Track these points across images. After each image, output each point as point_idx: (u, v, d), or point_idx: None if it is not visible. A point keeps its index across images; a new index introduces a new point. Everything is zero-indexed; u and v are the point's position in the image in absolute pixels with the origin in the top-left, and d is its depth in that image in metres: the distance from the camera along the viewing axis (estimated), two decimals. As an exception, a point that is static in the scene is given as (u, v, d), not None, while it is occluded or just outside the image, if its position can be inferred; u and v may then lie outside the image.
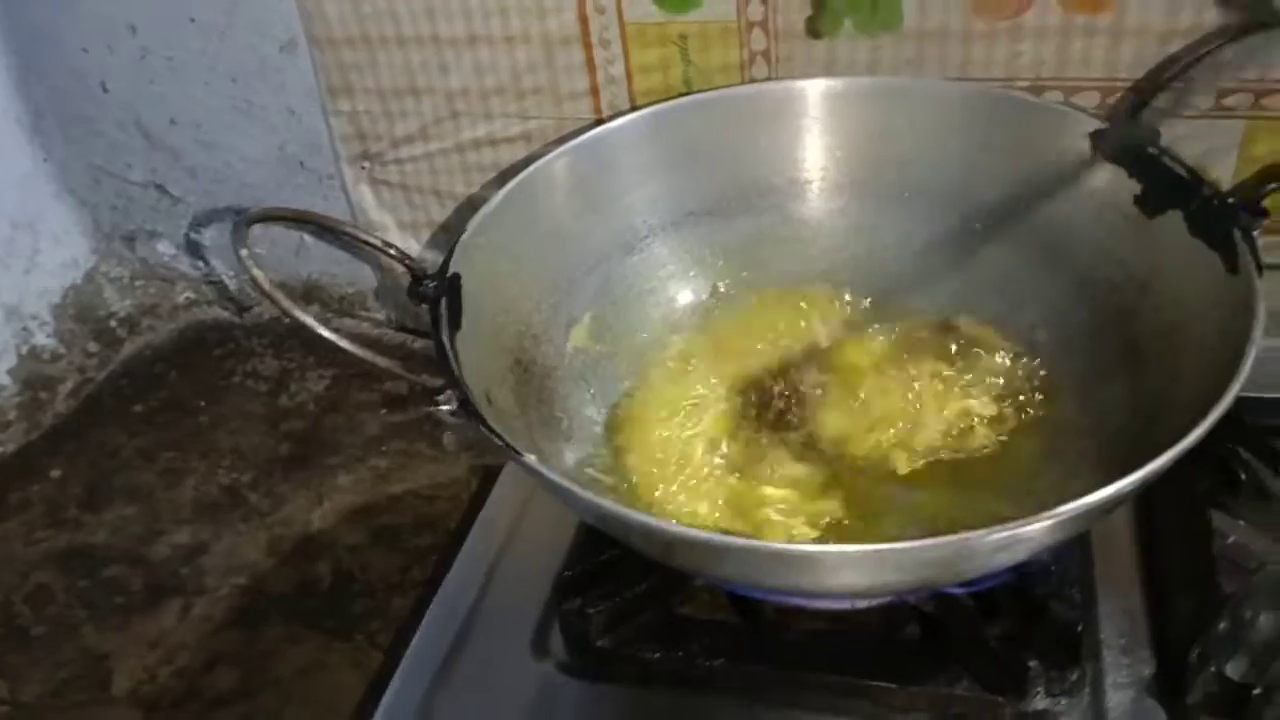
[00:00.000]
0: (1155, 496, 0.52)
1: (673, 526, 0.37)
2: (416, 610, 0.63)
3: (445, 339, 0.44)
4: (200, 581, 0.68)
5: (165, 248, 0.90)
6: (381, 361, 0.44)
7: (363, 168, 0.77)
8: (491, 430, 0.41)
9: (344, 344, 0.42)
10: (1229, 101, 0.59)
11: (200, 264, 0.90)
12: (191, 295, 0.92)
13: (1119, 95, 0.59)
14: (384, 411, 0.80)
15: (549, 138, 0.71)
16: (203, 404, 0.82)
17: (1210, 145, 0.59)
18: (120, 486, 0.76)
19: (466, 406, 0.41)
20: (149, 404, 0.83)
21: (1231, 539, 0.48)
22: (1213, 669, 0.43)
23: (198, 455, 0.78)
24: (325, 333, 0.42)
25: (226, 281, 0.90)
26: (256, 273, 0.42)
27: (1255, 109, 0.59)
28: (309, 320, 0.42)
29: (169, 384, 0.85)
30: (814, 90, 0.59)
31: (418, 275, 0.47)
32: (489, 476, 0.72)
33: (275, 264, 0.88)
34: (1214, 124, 0.59)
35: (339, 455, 0.77)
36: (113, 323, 0.90)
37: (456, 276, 0.48)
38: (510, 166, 0.73)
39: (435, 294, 0.46)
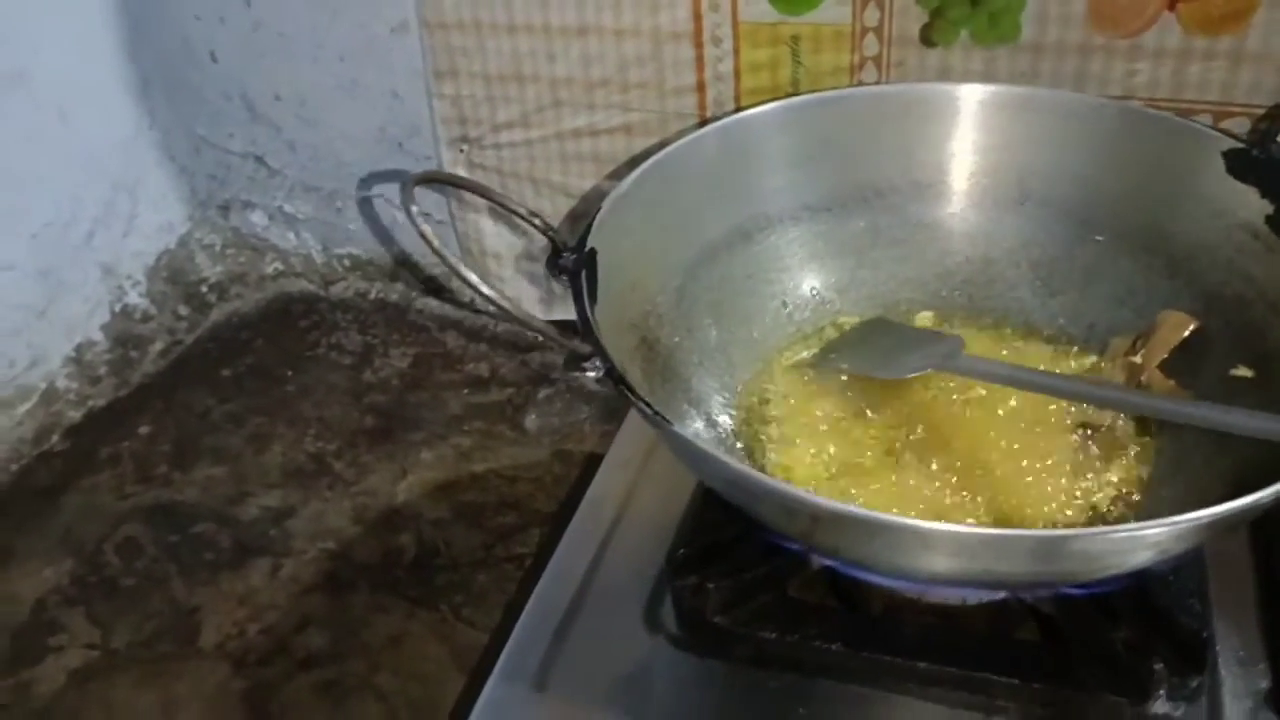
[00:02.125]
0: (1271, 513, 0.52)
1: (816, 498, 0.37)
2: (503, 586, 0.64)
3: (588, 308, 0.45)
4: (288, 544, 0.69)
5: (258, 218, 0.91)
6: (539, 324, 0.44)
7: (461, 151, 0.78)
8: (637, 397, 0.41)
9: (504, 303, 0.43)
10: None
11: (291, 236, 0.91)
12: (280, 266, 0.93)
13: (1233, 120, 0.59)
14: (466, 392, 0.81)
15: (651, 131, 0.71)
16: (289, 373, 0.84)
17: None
18: (208, 447, 0.77)
19: (612, 374, 0.42)
20: (236, 369, 0.85)
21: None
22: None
23: (284, 422, 0.79)
24: (486, 289, 0.43)
25: (314, 255, 0.91)
26: (425, 228, 0.43)
27: None
28: (472, 277, 0.43)
29: (255, 351, 0.86)
30: (950, 95, 0.60)
31: (559, 247, 0.48)
32: (570, 461, 0.73)
33: (366, 241, 0.89)
34: None
35: (421, 431, 0.78)
36: (203, 288, 0.91)
37: (594, 250, 0.49)
38: (609, 157, 0.74)
39: (575, 267, 0.47)
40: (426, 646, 0.62)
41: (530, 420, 0.78)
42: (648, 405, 0.41)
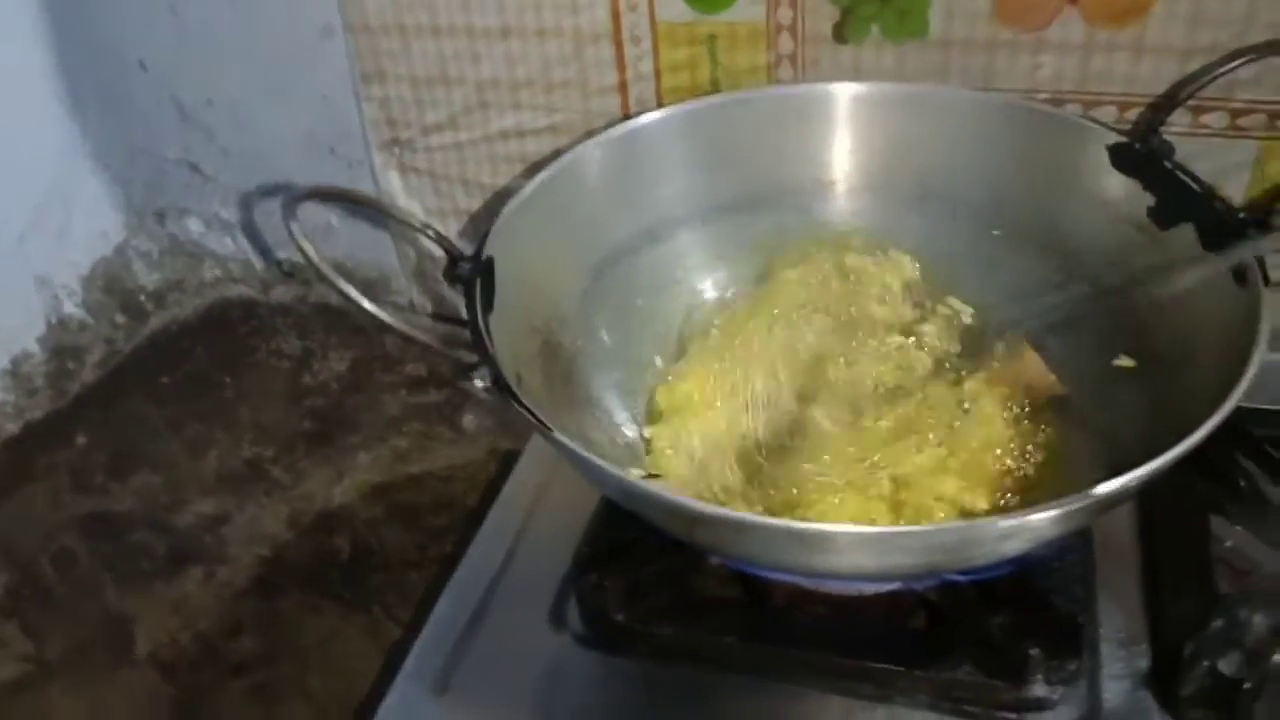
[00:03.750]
0: (1157, 500, 0.53)
1: (695, 503, 0.38)
2: (433, 585, 0.64)
3: (480, 318, 0.46)
4: (222, 550, 0.70)
5: (195, 225, 0.91)
6: (420, 335, 0.45)
7: (392, 154, 0.78)
8: (523, 405, 0.42)
9: (386, 317, 0.44)
10: (1243, 122, 0.60)
11: (228, 242, 0.91)
12: (218, 273, 0.93)
13: (1137, 110, 0.61)
14: (404, 393, 0.82)
15: (576, 131, 0.72)
16: (227, 379, 0.84)
17: (1223, 163, 0.60)
18: (145, 455, 0.78)
19: (499, 383, 0.43)
20: (174, 376, 0.85)
21: (1229, 543, 0.50)
22: (1206, 664, 0.44)
23: (221, 428, 0.79)
24: (368, 305, 0.44)
25: (252, 260, 0.91)
26: (306, 246, 0.44)
27: (1270, 129, 0.60)
28: (353, 293, 0.44)
29: (194, 358, 0.87)
30: (842, 94, 0.61)
31: (454, 257, 0.49)
32: (506, 459, 0.74)
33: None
34: (1229, 143, 0.60)
35: (359, 434, 0.78)
36: (141, 296, 0.91)
37: (490, 259, 0.49)
38: (537, 158, 0.74)
39: (470, 275, 0.48)
40: (357, 646, 0.63)
41: (468, 420, 0.79)
42: (531, 413, 0.42)
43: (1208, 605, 0.45)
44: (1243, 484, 0.51)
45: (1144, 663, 0.48)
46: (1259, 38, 0.56)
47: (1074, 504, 0.39)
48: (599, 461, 0.40)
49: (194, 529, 0.72)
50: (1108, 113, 0.61)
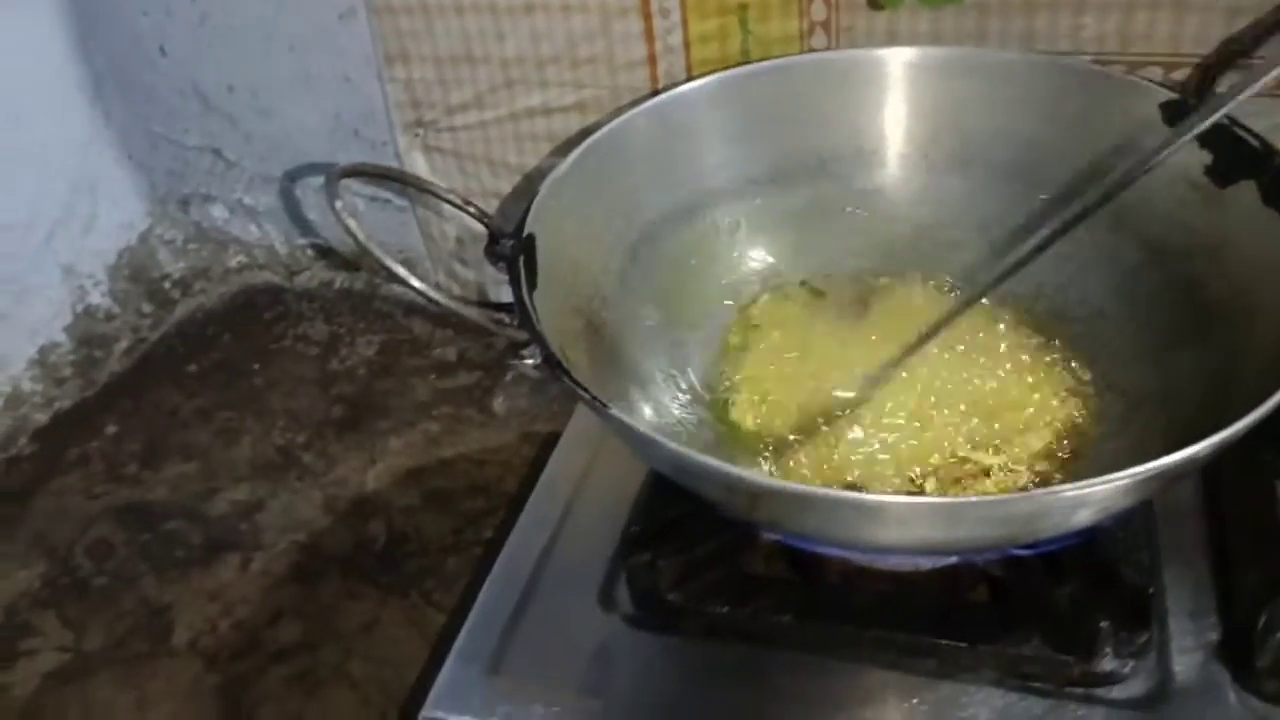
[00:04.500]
0: (1221, 469, 0.52)
1: (756, 477, 0.37)
2: (475, 570, 0.64)
3: (525, 295, 0.45)
4: (258, 538, 0.70)
5: (219, 212, 0.91)
6: (468, 313, 0.44)
7: (416, 135, 0.78)
8: (575, 382, 0.41)
9: (432, 293, 0.43)
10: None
11: (253, 228, 0.91)
12: (243, 259, 0.93)
13: (1183, 71, 0.59)
14: (433, 377, 0.81)
15: (604, 108, 0.71)
16: (255, 366, 0.84)
17: (1275, 122, 0.59)
18: (177, 444, 0.78)
19: (550, 360, 0.42)
20: (202, 365, 0.85)
21: (1291, 508, 0.48)
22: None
23: (252, 416, 0.79)
24: (416, 283, 0.43)
25: (277, 246, 0.91)
26: (350, 222, 0.43)
27: None
28: (400, 270, 0.42)
29: (221, 346, 0.86)
30: (886, 59, 0.59)
31: (495, 234, 0.48)
32: (540, 443, 0.73)
33: (327, 230, 0.89)
34: (1265, 103, 0.58)
35: (390, 419, 0.78)
36: (166, 284, 0.91)
37: (532, 236, 0.48)
38: (565, 136, 0.73)
39: (513, 253, 0.47)
40: (398, 632, 0.63)
41: (498, 403, 0.78)
42: (585, 390, 0.41)
43: (1278, 575, 0.44)
44: (1309, 450, 0.50)
45: (1214, 635, 0.47)
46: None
47: (1144, 474, 0.38)
48: (652, 434, 0.39)
49: (229, 517, 0.72)
50: (1152, 74, 0.60)
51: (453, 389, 0.80)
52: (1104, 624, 0.44)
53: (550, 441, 0.68)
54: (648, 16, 0.66)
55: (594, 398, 0.40)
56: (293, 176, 0.86)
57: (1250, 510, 0.49)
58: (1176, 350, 0.51)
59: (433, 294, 0.43)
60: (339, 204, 0.43)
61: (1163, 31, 0.59)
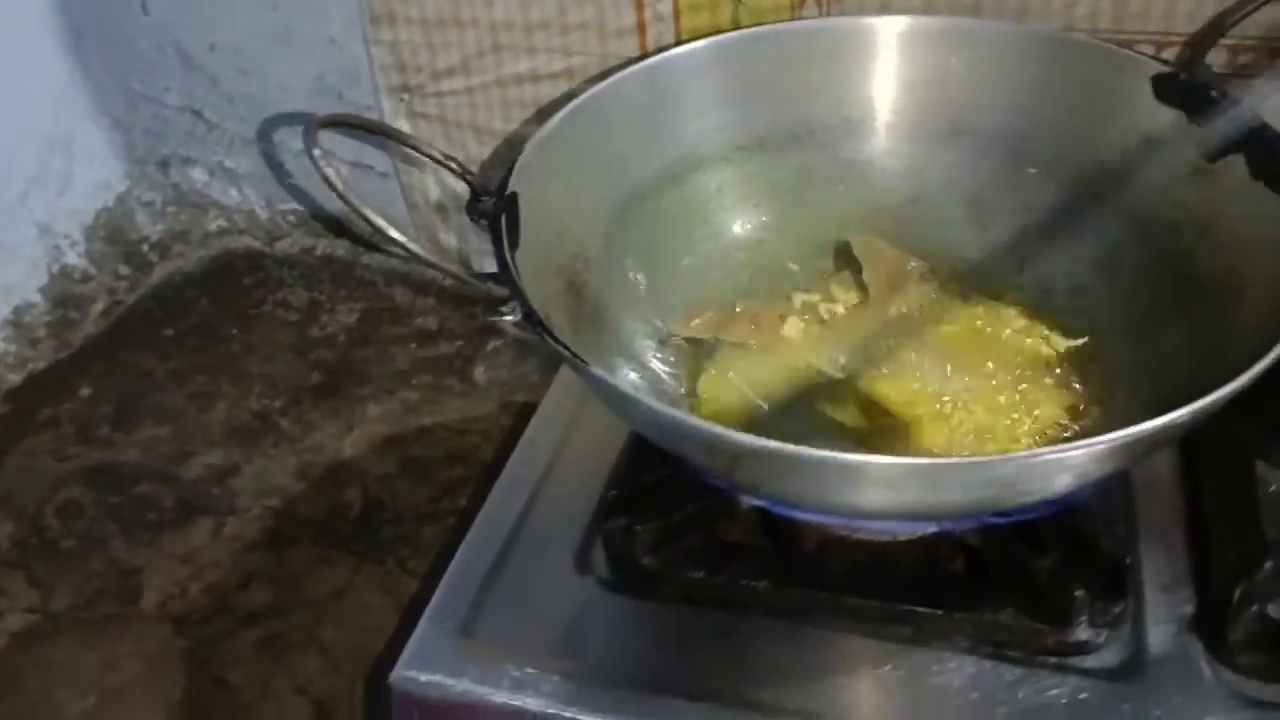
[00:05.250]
0: (1199, 443, 0.52)
1: (739, 436, 0.36)
2: (450, 537, 0.64)
3: (507, 253, 0.44)
4: (231, 502, 0.69)
5: (199, 174, 0.89)
6: (450, 267, 0.44)
7: (401, 100, 0.77)
8: (556, 340, 0.41)
9: (415, 249, 0.42)
10: (1243, 60, 0.58)
11: (233, 192, 0.89)
12: (223, 223, 0.91)
13: (1173, 50, 0.59)
14: (414, 346, 0.80)
15: (592, 75, 0.70)
16: (233, 331, 0.83)
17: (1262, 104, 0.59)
18: (151, 407, 0.76)
19: (530, 318, 0.41)
20: (179, 328, 0.83)
21: (1274, 488, 0.48)
22: (1255, 609, 0.43)
23: (228, 380, 0.78)
24: (394, 233, 0.42)
25: (258, 211, 0.90)
26: (329, 171, 0.42)
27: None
28: (380, 222, 0.42)
29: (199, 310, 0.85)
30: (877, 28, 0.59)
31: (477, 191, 0.47)
32: (520, 413, 0.73)
33: (307, 194, 0.88)
34: (1268, 80, 0.57)
35: (368, 386, 0.77)
36: (144, 247, 0.90)
37: (514, 195, 0.48)
38: (552, 103, 0.72)
39: (495, 211, 0.46)
40: (371, 599, 0.62)
41: (479, 373, 0.78)
42: (565, 347, 0.40)
43: (1256, 550, 0.44)
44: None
45: (1189, 607, 0.47)
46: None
47: (1123, 439, 0.37)
48: (633, 393, 0.39)
49: (202, 481, 0.71)
50: (1144, 52, 0.59)
51: (433, 358, 0.79)
52: (1079, 593, 0.44)
53: (530, 411, 0.68)
54: (637, -17, 0.65)
55: (574, 355, 0.40)
56: (274, 139, 0.84)
57: (1228, 485, 0.49)
58: (1163, 325, 0.51)
59: (411, 246, 0.42)
60: (317, 152, 0.42)
61: (1156, 9, 0.59)
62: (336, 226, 0.89)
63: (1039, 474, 0.39)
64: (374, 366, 0.79)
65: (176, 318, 0.84)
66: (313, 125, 0.44)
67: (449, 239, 0.83)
